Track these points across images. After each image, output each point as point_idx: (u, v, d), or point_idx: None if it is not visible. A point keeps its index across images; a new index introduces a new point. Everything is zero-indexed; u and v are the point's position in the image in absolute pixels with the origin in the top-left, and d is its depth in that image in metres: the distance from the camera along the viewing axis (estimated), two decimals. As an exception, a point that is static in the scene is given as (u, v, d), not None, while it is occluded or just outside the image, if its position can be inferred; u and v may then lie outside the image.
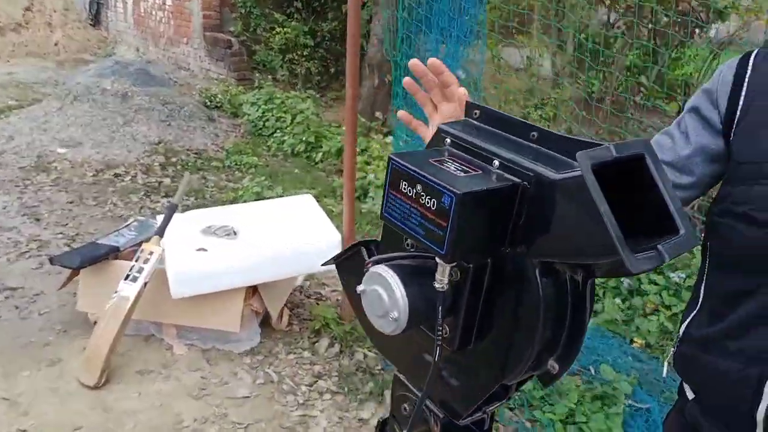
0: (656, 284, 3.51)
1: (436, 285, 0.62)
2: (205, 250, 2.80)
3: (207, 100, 6.83)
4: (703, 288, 1.09)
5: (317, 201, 3.41)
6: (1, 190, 4.58)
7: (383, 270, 0.64)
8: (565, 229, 0.56)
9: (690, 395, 1.12)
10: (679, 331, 1.15)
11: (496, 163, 0.62)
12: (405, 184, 0.62)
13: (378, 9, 6.10)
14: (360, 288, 0.67)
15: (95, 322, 2.81)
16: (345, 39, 2.81)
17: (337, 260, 0.87)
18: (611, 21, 5.72)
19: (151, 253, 2.78)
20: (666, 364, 1.28)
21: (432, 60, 0.94)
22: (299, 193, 4.70)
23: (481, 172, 0.62)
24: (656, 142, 1.13)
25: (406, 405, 0.78)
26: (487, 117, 0.70)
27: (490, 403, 0.71)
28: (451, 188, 0.57)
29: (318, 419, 2.61)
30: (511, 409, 2.67)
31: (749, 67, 1.03)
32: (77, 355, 2.78)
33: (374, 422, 2.61)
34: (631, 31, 4.93)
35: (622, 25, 5.52)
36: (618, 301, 3.44)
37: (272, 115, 6.22)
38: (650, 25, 4.72)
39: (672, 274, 3.54)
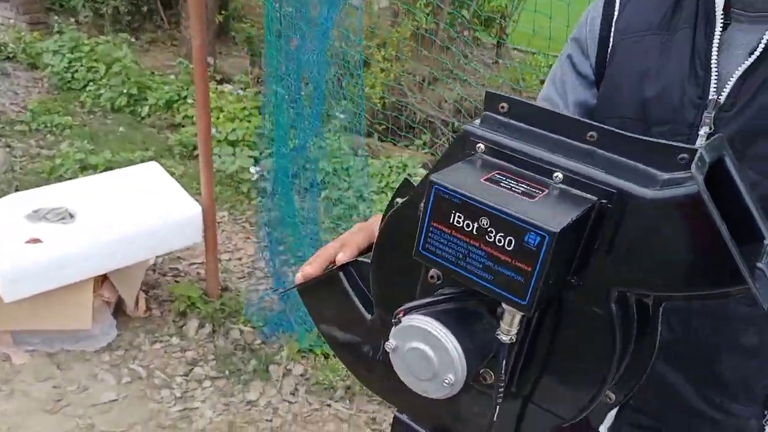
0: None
1: (503, 338, 0.51)
2: (40, 240, 2.36)
3: (-5, 51, 5.79)
4: None
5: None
6: None
7: (425, 323, 0.51)
8: (664, 255, 0.46)
9: None
10: None
11: (559, 176, 0.49)
12: (459, 217, 0.48)
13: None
14: (390, 345, 0.54)
15: None
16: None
17: (304, 286, 0.73)
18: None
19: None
20: None
21: (299, 274, 0.73)
22: (131, 156, 4.20)
23: (546, 191, 0.49)
24: (541, 101, 1.02)
25: None
26: (520, 112, 0.53)
27: None
28: (540, 224, 0.44)
29: (201, 410, 2.40)
30: None
31: (616, 8, 0.93)
32: None
33: (263, 402, 2.46)
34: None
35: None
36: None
37: (81, 65, 5.41)
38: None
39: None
